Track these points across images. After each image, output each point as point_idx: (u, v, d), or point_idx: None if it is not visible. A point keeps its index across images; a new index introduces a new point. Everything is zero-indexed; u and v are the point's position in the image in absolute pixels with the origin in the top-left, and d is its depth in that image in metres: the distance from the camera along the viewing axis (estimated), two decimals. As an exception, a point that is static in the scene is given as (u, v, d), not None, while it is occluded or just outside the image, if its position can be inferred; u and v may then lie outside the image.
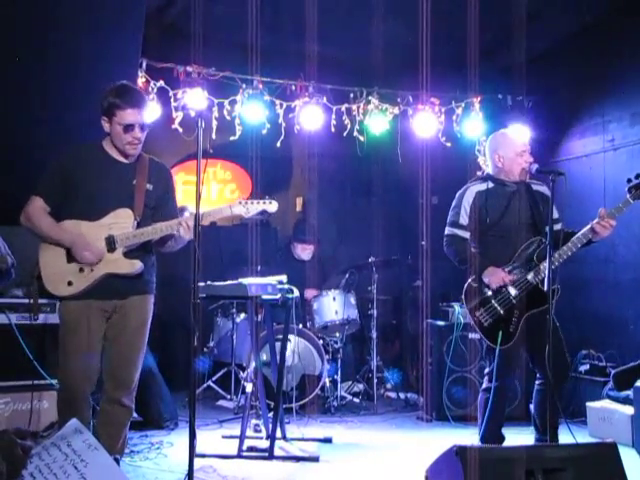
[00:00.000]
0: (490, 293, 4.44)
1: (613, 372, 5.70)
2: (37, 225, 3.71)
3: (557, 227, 4.46)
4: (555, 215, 4.51)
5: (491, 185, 4.59)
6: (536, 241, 4.45)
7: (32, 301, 4.19)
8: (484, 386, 4.56)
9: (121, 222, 3.74)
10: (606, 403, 5.57)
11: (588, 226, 4.28)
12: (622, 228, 4.91)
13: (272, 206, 3.96)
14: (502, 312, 4.39)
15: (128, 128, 3.72)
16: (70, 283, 3.67)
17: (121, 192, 3.78)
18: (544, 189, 4.57)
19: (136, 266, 3.77)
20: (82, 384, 3.69)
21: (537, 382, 4.53)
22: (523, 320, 4.36)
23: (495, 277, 4.39)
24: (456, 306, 6.23)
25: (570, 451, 3.28)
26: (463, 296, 4.56)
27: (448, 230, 4.64)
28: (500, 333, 4.34)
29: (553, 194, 4.13)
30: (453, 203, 4.68)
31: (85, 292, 3.69)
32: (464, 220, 4.56)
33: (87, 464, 2.44)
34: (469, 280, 4.55)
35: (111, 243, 3.71)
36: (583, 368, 6.12)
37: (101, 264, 3.70)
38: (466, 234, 4.57)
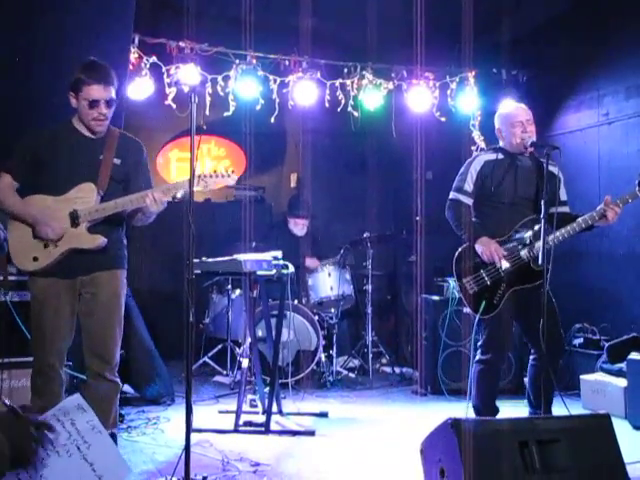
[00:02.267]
0: (480, 262, 4.46)
1: (607, 345, 5.74)
2: (3, 201, 3.76)
3: (563, 209, 4.51)
4: (563, 197, 4.57)
5: (501, 156, 4.62)
6: (534, 219, 4.41)
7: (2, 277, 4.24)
8: (477, 358, 4.60)
9: (84, 196, 3.75)
10: (600, 376, 5.62)
11: (594, 212, 4.30)
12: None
13: (230, 179, 3.94)
14: (489, 283, 4.43)
15: (93, 104, 3.71)
16: (35, 259, 3.71)
17: (87, 167, 3.79)
18: (555, 169, 4.57)
19: (97, 241, 3.76)
20: (51, 359, 3.75)
21: (531, 357, 4.56)
22: (509, 294, 4.40)
23: (488, 249, 4.41)
24: (451, 281, 6.23)
25: (564, 423, 3.31)
26: (454, 261, 4.59)
27: (452, 195, 4.67)
28: (483, 303, 4.40)
29: (547, 167, 4.15)
30: (461, 169, 4.71)
31: (50, 267, 3.72)
32: (469, 187, 4.59)
33: (90, 446, 2.45)
34: (462, 247, 4.58)
35: (74, 218, 3.72)
36: (577, 341, 6.17)
37: (65, 239, 3.72)
38: (469, 200, 4.60)
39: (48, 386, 3.75)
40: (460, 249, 4.58)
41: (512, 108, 4.77)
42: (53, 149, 3.79)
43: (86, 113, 3.75)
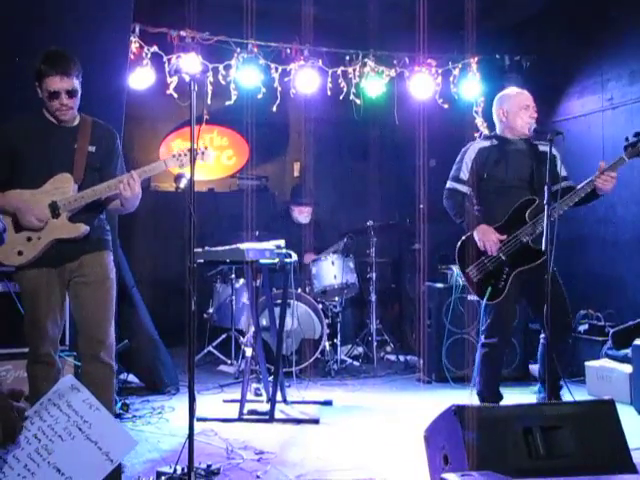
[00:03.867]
0: (480, 249, 4.52)
1: (612, 331, 5.73)
2: None
3: (567, 184, 4.55)
4: (563, 173, 4.60)
5: (495, 142, 4.68)
6: (531, 200, 4.49)
7: None
8: (481, 342, 4.65)
9: (61, 187, 3.73)
10: (605, 362, 5.61)
11: (589, 179, 4.33)
12: (621, 188, 4.92)
13: (205, 155, 3.86)
14: (491, 268, 4.50)
15: (54, 95, 3.66)
16: (20, 252, 3.69)
17: (61, 157, 3.75)
18: (553, 150, 4.54)
19: (81, 229, 3.75)
20: (48, 347, 3.74)
21: (541, 336, 4.59)
22: (513, 276, 4.45)
23: (486, 238, 4.48)
24: (455, 268, 6.23)
25: (568, 409, 3.30)
26: (456, 251, 4.65)
27: (449, 184, 4.74)
28: (489, 289, 4.46)
29: (551, 153, 4.16)
30: (457, 158, 4.77)
31: (37, 260, 3.71)
32: (464, 175, 4.66)
33: (90, 425, 2.44)
34: (464, 237, 4.64)
35: (54, 209, 3.70)
36: (582, 328, 6.15)
37: (47, 231, 3.71)
38: (465, 189, 4.68)
39: (47, 374, 3.74)
40: (462, 238, 4.63)
41: (520, 91, 4.79)
42: (26, 140, 3.74)
43: (49, 104, 3.70)
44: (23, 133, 3.76)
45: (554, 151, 4.43)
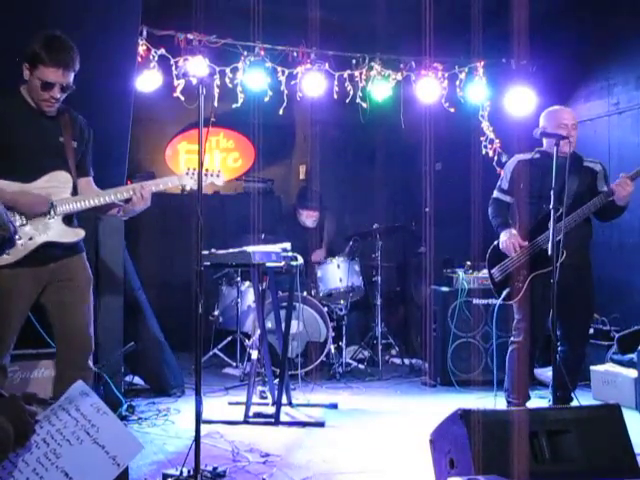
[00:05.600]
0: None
1: (617, 336, 5.73)
2: None
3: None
4: (601, 188, 4.72)
5: (537, 156, 4.81)
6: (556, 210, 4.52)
7: None
8: (510, 340, 4.84)
9: (59, 186, 3.54)
10: (610, 366, 5.60)
11: (606, 188, 4.58)
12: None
13: (219, 179, 3.92)
14: (512, 270, 4.72)
15: (47, 86, 3.41)
16: (7, 253, 3.34)
17: (50, 150, 3.54)
18: (596, 166, 4.80)
19: (80, 235, 3.62)
20: (7, 351, 3.52)
21: (559, 348, 4.59)
22: (531, 280, 4.63)
23: (508, 240, 4.70)
24: (460, 272, 6.24)
25: (574, 413, 3.31)
26: (488, 253, 4.94)
27: (494, 193, 5.00)
28: (507, 289, 4.72)
29: (556, 156, 4.29)
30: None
31: (20, 260, 3.45)
32: (505, 185, 4.91)
33: (98, 429, 2.45)
34: (495, 242, 4.88)
35: (50, 209, 3.49)
36: (587, 332, 6.15)
37: (40, 232, 3.48)
38: (506, 198, 4.91)
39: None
40: (495, 243, 4.87)
41: (560, 109, 4.88)
42: (5, 126, 3.45)
43: (37, 92, 3.44)
44: (1, 117, 3.46)
45: (598, 167, 4.74)
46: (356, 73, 6.94)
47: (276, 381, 5.29)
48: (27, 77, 3.47)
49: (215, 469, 3.75)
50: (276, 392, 5.17)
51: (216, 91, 6.44)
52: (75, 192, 3.62)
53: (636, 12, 6.08)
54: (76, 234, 3.62)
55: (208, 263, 4.72)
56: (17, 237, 3.35)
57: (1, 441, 2.17)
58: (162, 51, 6.30)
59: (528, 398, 4.74)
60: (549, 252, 4.23)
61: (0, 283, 3.46)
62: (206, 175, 3.82)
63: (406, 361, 7.18)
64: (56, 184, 3.55)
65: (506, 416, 3.22)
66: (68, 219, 3.60)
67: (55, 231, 3.53)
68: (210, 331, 7.07)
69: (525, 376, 4.76)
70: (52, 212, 3.50)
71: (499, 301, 4.78)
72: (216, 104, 6.43)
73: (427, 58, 6.98)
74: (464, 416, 3.03)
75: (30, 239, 3.47)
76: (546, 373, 5.42)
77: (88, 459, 2.41)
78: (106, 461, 2.42)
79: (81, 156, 3.70)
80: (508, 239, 4.71)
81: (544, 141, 4.84)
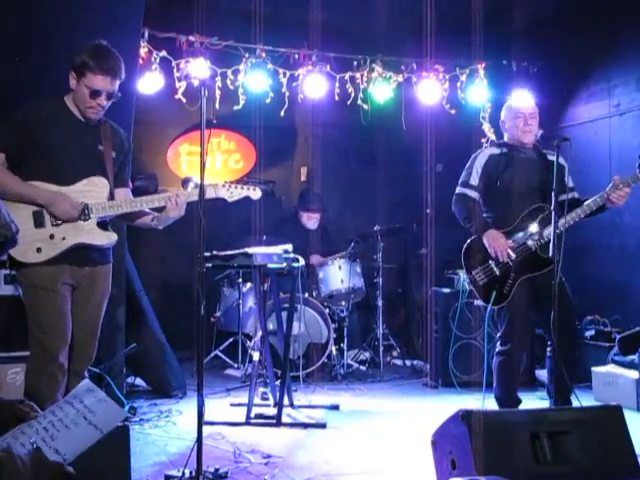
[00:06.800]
0: (488, 254, 4.56)
1: (618, 337, 5.73)
2: (2, 182, 3.47)
3: (573, 194, 4.63)
4: (570, 184, 4.65)
5: (505, 150, 4.72)
6: (540, 207, 4.52)
7: None
8: (496, 349, 4.68)
9: (96, 190, 3.60)
10: (611, 368, 5.60)
11: (601, 194, 4.36)
12: (628, 194, 4.91)
13: (256, 193, 3.97)
14: (498, 273, 4.54)
15: (95, 94, 3.51)
16: (39, 250, 3.46)
17: (89, 156, 3.62)
18: (560, 159, 4.58)
19: (112, 238, 3.66)
20: (63, 347, 3.53)
21: (548, 349, 4.60)
22: (519, 283, 4.49)
23: (496, 243, 4.50)
24: (461, 273, 6.22)
25: (575, 414, 3.31)
26: (462, 254, 4.68)
27: (459, 189, 4.78)
28: (494, 293, 4.51)
29: (557, 158, 4.19)
30: (467, 164, 4.81)
31: (55, 259, 3.50)
32: (474, 181, 4.71)
33: (95, 413, 2.50)
34: (470, 239, 4.67)
35: (85, 212, 3.54)
36: (588, 333, 6.15)
37: (74, 233, 3.52)
38: (475, 194, 4.72)
39: (56, 380, 3.51)
40: (468, 241, 4.67)
41: (517, 101, 4.86)
42: (47, 128, 3.54)
43: (84, 100, 3.54)
44: (44, 118, 3.55)
45: (562, 161, 4.46)
46: (357, 75, 6.96)
47: (277, 382, 5.30)
48: (74, 86, 3.56)
49: (217, 470, 3.76)
50: (277, 393, 5.17)
51: (218, 93, 6.46)
52: (111, 199, 3.68)
53: (636, 13, 6.09)
54: (108, 237, 3.66)
55: (210, 265, 4.73)
56: (50, 235, 3.46)
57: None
58: (164, 53, 6.33)
59: (519, 402, 4.66)
60: (549, 251, 4.09)
61: (42, 279, 3.50)
62: (243, 188, 3.88)
63: (407, 362, 7.18)
64: (93, 188, 3.61)
65: (508, 417, 3.23)
66: (102, 224, 3.65)
67: (88, 233, 3.58)
68: (212, 332, 7.09)
69: (516, 384, 4.70)
70: (87, 215, 3.56)
71: (489, 306, 4.55)
72: (218, 106, 6.46)
73: (428, 60, 7.00)
74: (465, 417, 3.04)
75: (63, 239, 3.52)
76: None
77: (81, 437, 2.47)
78: (95, 433, 2.48)
79: (120, 166, 3.80)
80: (496, 241, 4.51)
81: (504, 130, 4.82)
